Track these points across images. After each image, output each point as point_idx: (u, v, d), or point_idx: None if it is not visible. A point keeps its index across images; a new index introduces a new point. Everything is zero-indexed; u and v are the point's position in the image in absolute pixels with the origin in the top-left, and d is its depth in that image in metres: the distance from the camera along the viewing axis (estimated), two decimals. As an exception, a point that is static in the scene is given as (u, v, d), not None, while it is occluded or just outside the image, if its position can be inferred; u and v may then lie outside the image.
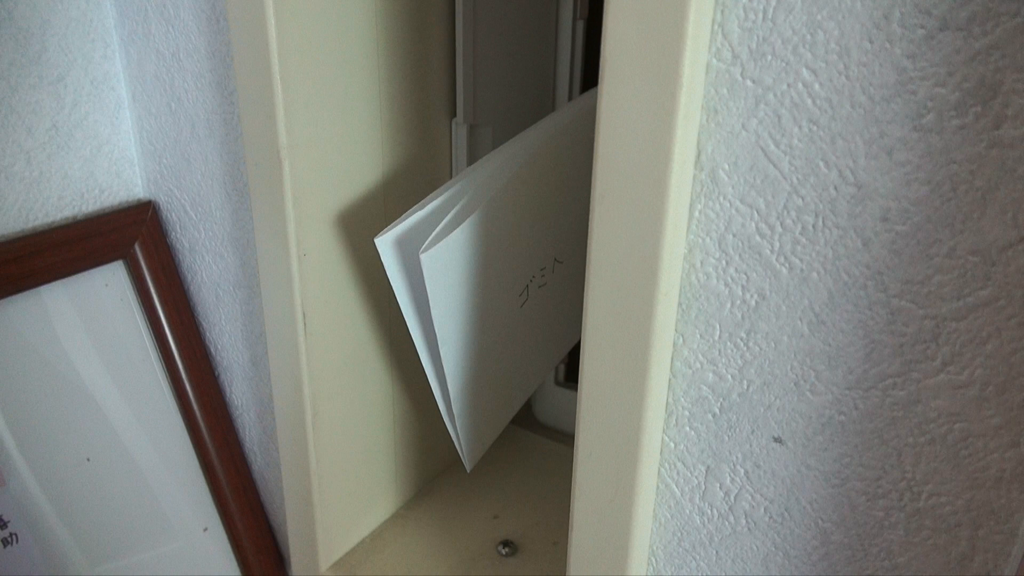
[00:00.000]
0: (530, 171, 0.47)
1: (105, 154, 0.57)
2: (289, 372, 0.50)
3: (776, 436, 0.34)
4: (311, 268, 0.48)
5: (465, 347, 0.48)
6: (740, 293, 0.33)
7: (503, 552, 0.59)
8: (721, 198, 0.32)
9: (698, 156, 0.32)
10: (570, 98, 0.61)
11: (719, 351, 0.34)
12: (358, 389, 0.55)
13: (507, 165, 0.46)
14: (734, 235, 0.32)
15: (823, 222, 0.30)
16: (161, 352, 0.59)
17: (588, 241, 0.34)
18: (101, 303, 0.57)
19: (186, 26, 0.50)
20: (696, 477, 0.37)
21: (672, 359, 0.36)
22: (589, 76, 0.61)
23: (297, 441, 0.52)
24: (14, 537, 0.52)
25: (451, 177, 0.58)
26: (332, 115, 0.47)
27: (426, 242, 0.41)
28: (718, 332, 0.34)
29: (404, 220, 0.43)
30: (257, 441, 0.61)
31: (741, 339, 0.33)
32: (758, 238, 0.32)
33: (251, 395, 0.60)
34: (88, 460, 0.56)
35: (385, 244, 0.43)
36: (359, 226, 0.51)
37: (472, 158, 0.57)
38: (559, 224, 0.52)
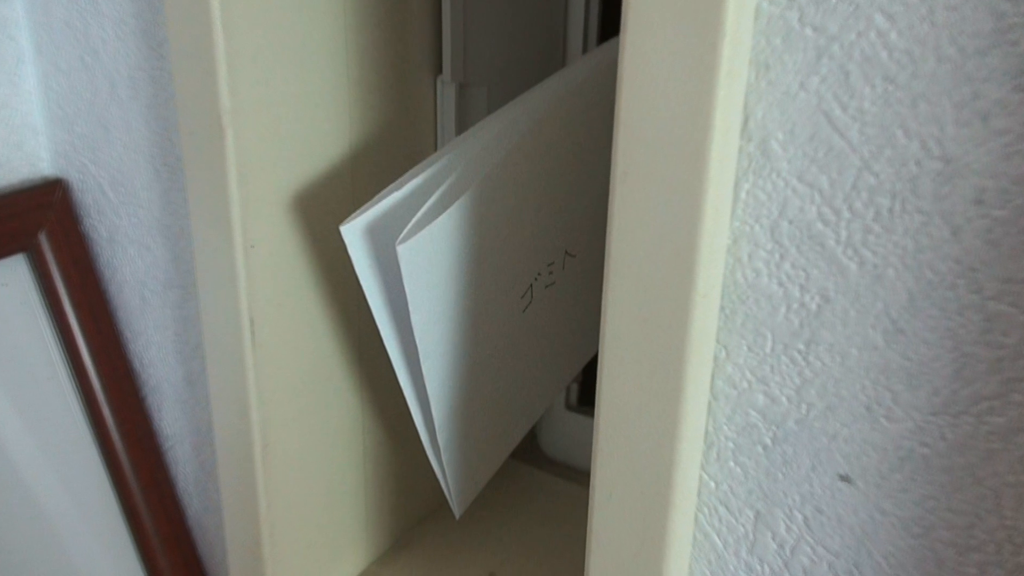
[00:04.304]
0: (534, 142, 0.47)
1: (2, 120, 0.57)
2: (233, 393, 0.50)
3: (843, 474, 0.34)
4: (260, 263, 0.48)
5: (453, 362, 0.48)
6: (798, 294, 0.33)
7: (501, 618, 0.59)
8: (774, 176, 0.32)
9: (745, 123, 0.32)
10: (584, 50, 0.61)
11: (771, 367, 0.34)
12: (319, 414, 0.55)
13: (505, 135, 0.46)
14: (790, 222, 0.32)
15: (902, 206, 0.30)
16: (73, 368, 0.59)
17: (607, 230, 0.34)
18: (-3, 307, 0.57)
19: (104, -40, 0.50)
20: (743, 525, 0.37)
21: (713, 377, 0.36)
22: (608, 23, 0.61)
23: (243, 479, 0.52)
24: None
25: (436, 149, 0.58)
26: (287, 71, 0.46)
27: (404, 231, 0.41)
28: (770, 343, 0.34)
29: (377, 203, 0.43)
30: (193, 480, 0.61)
31: (799, 352, 0.33)
32: (820, 225, 0.32)
33: (186, 422, 0.60)
34: (-19, 503, 0.56)
35: (353, 233, 0.43)
36: (320, 210, 0.51)
37: (462, 126, 0.56)
38: (571, 209, 0.52)
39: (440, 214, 0.42)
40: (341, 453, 0.57)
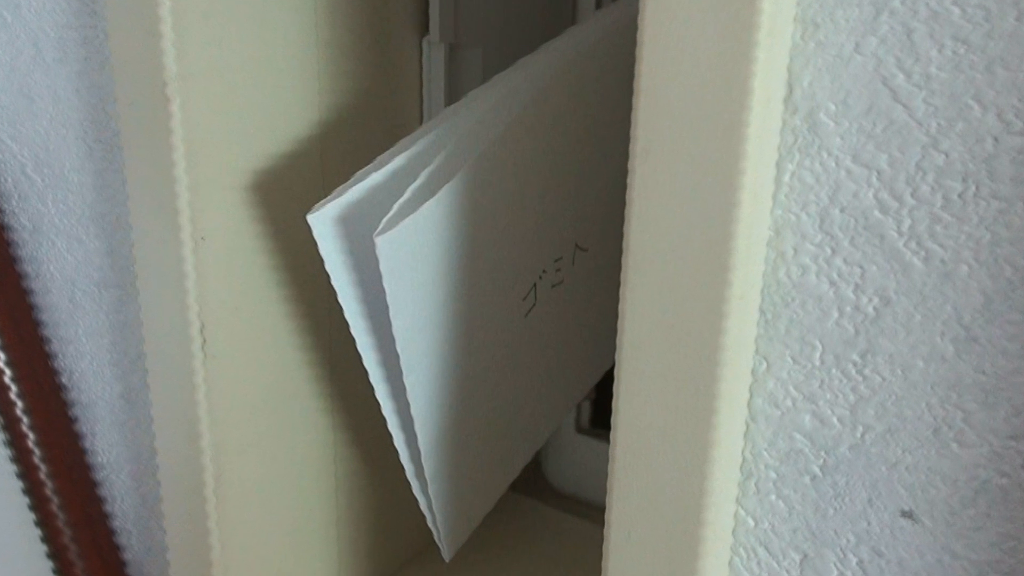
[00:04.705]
0: (538, 115, 0.47)
1: (-94, 89, 0.57)
2: (180, 413, 0.50)
3: (905, 509, 0.34)
4: (213, 258, 0.48)
5: (442, 376, 0.48)
6: (852, 296, 0.33)
7: None
8: (824, 154, 0.32)
9: (790, 92, 0.32)
10: (598, 5, 0.61)
11: (821, 382, 0.34)
12: (283, 439, 0.55)
13: (504, 106, 0.46)
14: (843, 209, 0.32)
15: (975, 190, 0.30)
16: (-10, 384, 0.59)
17: (625, 218, 0.34)
18: (-100, 311, 0.57)
19: (27, -102, 0.50)
20: (787, 570, 0.37)
21: (751, 395, 0.35)
22: (626, -27, 0.61)
23: (192, 516, 0.52)
24: None
25: (421, 123, 0.58)
26: (245, 30, 0.46)
27: (383, 220, 0.41)
28: (819, 354, 0.34)
29: (351, 188, 0.43)
30: (132, 516, 0.61)
31: (853, 364, 0.33)
32: (879, 214, 0.32)
33: (124, 448, 0.60)
34: None
35: (323, 223, 0.43)
36: (284, 196, 0.51)
37: (452, 95, 0.56)
38: (582, 194, 0.52)
39: (426, 200, 0.42)
40: (309, 484, 0.57)
